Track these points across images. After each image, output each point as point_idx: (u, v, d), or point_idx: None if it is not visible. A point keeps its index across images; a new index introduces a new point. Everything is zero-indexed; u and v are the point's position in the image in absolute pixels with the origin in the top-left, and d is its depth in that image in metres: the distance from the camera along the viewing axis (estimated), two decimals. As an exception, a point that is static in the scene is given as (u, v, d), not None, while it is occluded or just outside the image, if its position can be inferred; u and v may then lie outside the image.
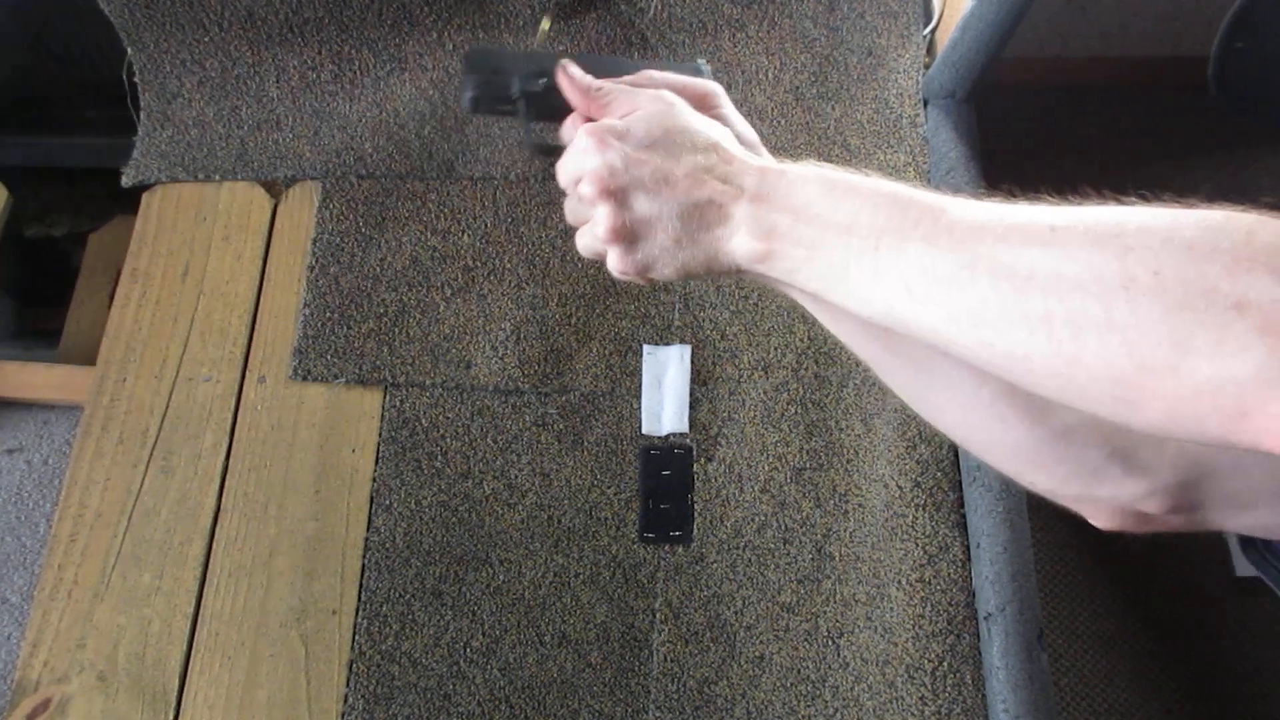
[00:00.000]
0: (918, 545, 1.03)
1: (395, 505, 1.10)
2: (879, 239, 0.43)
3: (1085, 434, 0.51)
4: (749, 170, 0.50)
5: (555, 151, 0.60)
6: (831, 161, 1.32)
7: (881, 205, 0.44)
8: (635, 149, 0.51)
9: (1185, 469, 0.50)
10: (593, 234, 0.53)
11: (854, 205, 0.45)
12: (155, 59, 1.29)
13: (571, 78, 0.59)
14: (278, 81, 1.30)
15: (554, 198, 1.25)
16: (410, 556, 1.08)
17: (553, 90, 0.60)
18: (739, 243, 0.49)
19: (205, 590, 1.07)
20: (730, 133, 0.55)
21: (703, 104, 0.58)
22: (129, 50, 1.29)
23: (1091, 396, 0.37)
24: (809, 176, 0.48)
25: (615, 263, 0.53)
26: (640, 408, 1.15)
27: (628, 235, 0.51)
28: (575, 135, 0.54)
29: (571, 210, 0.58)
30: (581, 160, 0.52)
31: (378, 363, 1.16)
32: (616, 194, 0.50)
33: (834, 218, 0.46)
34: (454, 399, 1.15)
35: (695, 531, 1.10)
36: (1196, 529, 0.53)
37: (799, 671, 1.03)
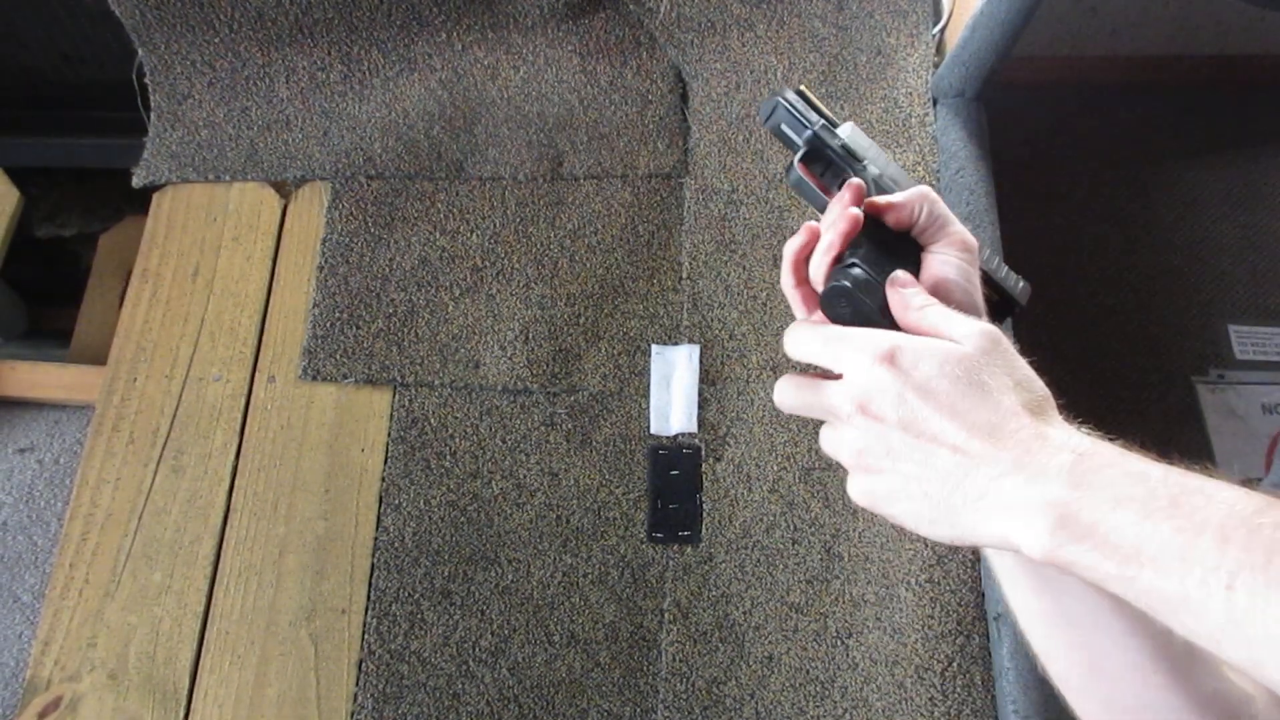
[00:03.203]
0: (926, 545, 1.03)
1: (404, 505, 1.10)
2: (1232, 578, 0.34)
3: (1224, 701, 0.47)
4: (1056, 454, 0.40)
5: (809, 193, 0.58)
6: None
7: (1230, 531, 0.35)
8: (916, 391, 0.43)
9: None
10: (837, 438, 0.47)
11: (1187, 528, 0.36)
12: (166, 60, 1.30)
13: (902, 289, 0.51)
14: (287, 82, 1.30)
15: (562, 198, 1.25)
16: (419, 556, 1.08)
17: (840, 154, 0.58)
18: (1024, 538, 0.40)
19: (215, 589, 1.07)
20: (1050, 396, 0.45)
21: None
22: (140, 51, 1.29)
23: None
24: (1115, 478, 0.39)
25: (851, 488, 0.47)
26: (649, 408, 1.15)
27: (873, 470, 0.45)
28: (856, 349, 0.46)
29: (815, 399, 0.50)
30: (853, 368, 0.46)
31: (387, 362, 1.16)
32: (877, 423, 0.44)
33: (1160, 540, 0.36)
34: (463, 399, 1.15)
35: (704, 531, 1.09)
36: None
37: (808, 672, 1.03)
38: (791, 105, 0.60)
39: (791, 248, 0.57)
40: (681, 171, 1.27)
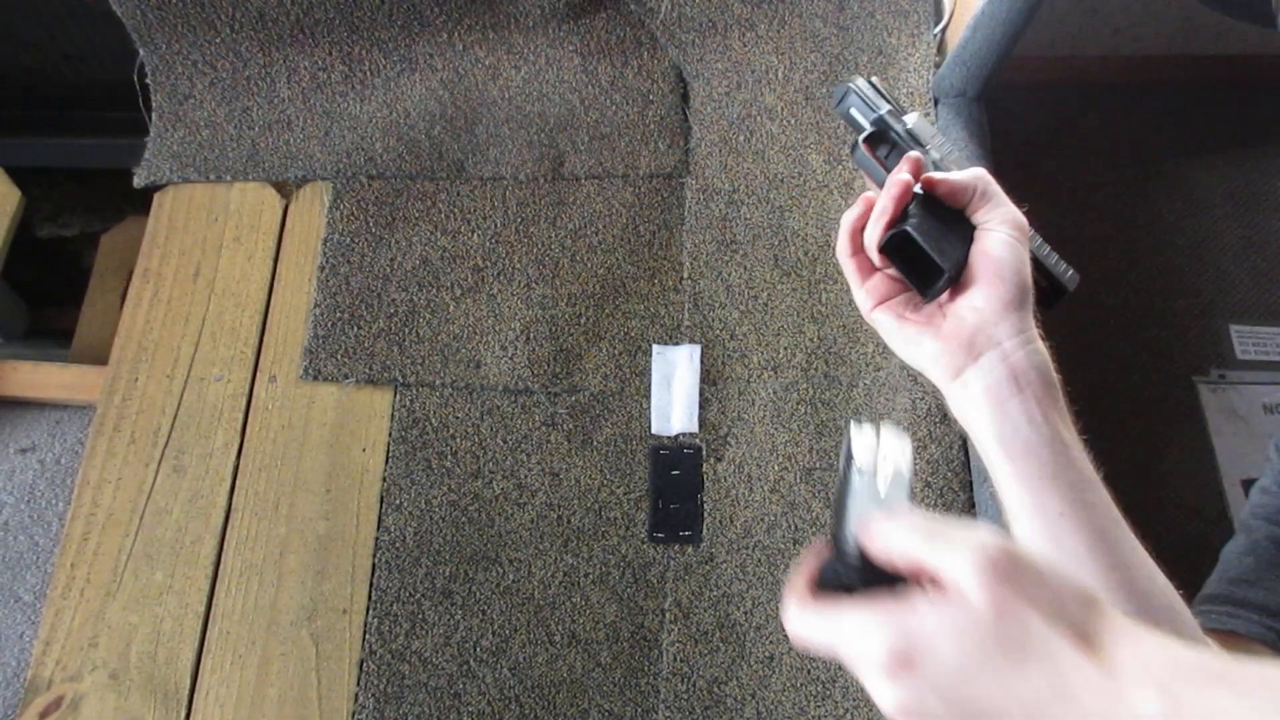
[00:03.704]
0: (928, 545, 1.03)
1: (405, 504, 1.10)
2: None
3: None
4: (1139, 704, 0.34)
5: (869, 166, 0.61)
6: (841, 161, 1.31)
7: None
8: (948, 693, 0.36)
9: None
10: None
11: None
12: (167, 60, 1.30)
13: (870, 524, 0.41)
14: (288, 82, 1.30)
15: (563, 198, 1.25)
16: (420, 556, 1.08)
17: (904, 137, 0.61)
18: None
19: (216, 589, 1.07)
20: (1094, 598, 0.38)
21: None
22: (141, 51, 1.29)
23: None
24: (1215, 707, 0.34)
25: None
26: (650, 407, 1.15)
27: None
28: (862, 613, 0.38)
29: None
30: (868, 679, 0.38)
31: (388, 362, 1.16)
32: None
33: None
34: (464, 399, 1.15)
35: (705, 531, 1.09)
36: None
37: (809, 672, 1.03)
38: (862, 91, 0.63)
39: (849, 218, 0.58)
40: (682, 171, 1.27)
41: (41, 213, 1.64)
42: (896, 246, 0.56)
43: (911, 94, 1.26)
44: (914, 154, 0.57)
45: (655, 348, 1.17)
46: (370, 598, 1.06)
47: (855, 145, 0.63)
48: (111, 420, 1.15)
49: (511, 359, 1.16)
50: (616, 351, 1.17)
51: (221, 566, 1.08)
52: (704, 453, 1.13)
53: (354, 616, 1.06)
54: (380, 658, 1.04)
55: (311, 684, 1.03)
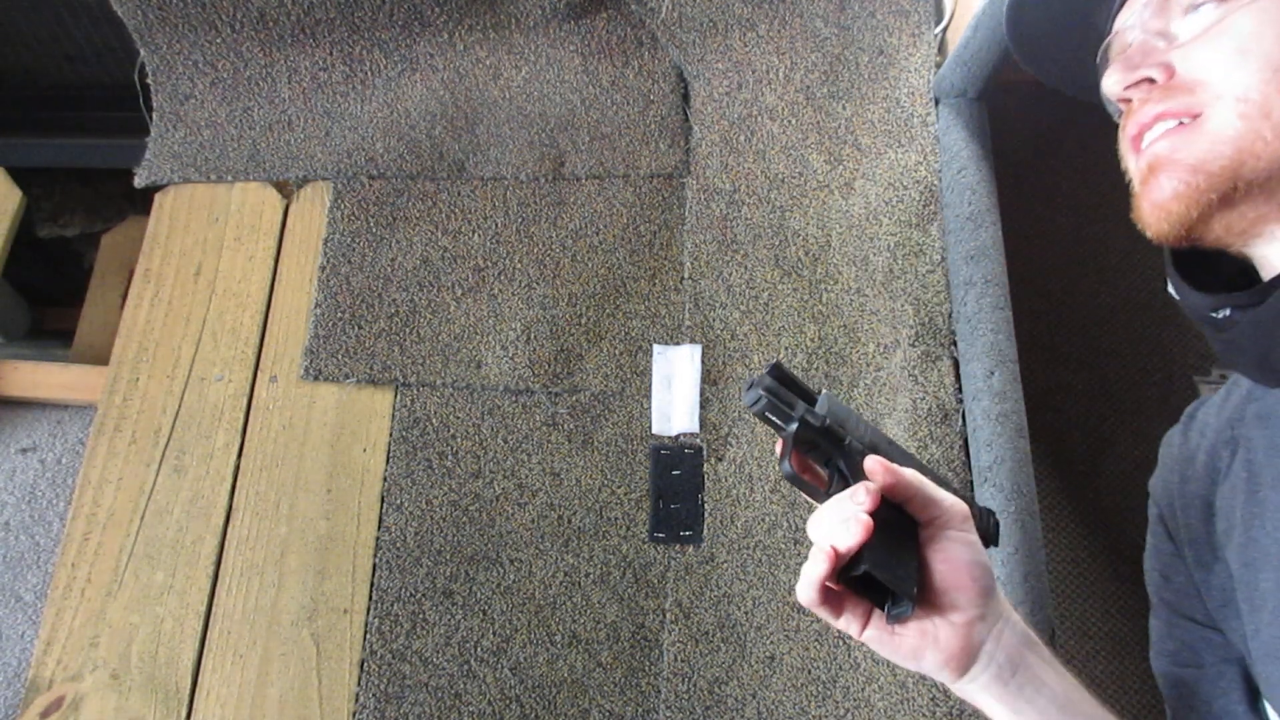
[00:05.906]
0: (929, 545, 1.03)
1: (406, 504, 1.10)
2: None
3: None
4: None
5: (805, 486, 0.61)
6: (842, 161, 1.30)
7: None
8: None
9: None
10: None
11: None
12: (168, 60, 1.30)
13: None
14: (289, 82, 1.30)
15: (564, 198, 1.25)
16: (421, 556, 1.08)
17: (824, 432, 0.61)
18: None
19: (217, 589, 1.07)
20: None
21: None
22: (141, 52, 1.29)
23: None
24: None
25: None
26: (650, 407, 1.15)
27: None
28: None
29: None
30: None
31: (389, 362, 1.16)
32: None
33: None
34: (464, 399, 1.15)
35: (705, 531, 1.09)
36: None
37: (810, 672, 1.03)
38: (774, 393, 0.63)
39: (816, 574, 0.59)
40: (683, 171, 1.27)
41: (42, 213, 1.64)
42: (856, 580, 0.58)
43: (912, 94, 1.26)
44: (862, 520, 0.57)
45: (656, 348, 1.17)
46: (371, 597, 1.06)
47: (783, 460, 0.63)
48: (112, 420, 1.15)
49: (512, 359, 1.16)
50: (617, 351, 1.17)
51: (222, 566, 1.08)
52: (705, 453, 1.13)
53: (355, 616, 1.06)
54: (381, 657, 1.04)
55: (312, 684, 1.03)
